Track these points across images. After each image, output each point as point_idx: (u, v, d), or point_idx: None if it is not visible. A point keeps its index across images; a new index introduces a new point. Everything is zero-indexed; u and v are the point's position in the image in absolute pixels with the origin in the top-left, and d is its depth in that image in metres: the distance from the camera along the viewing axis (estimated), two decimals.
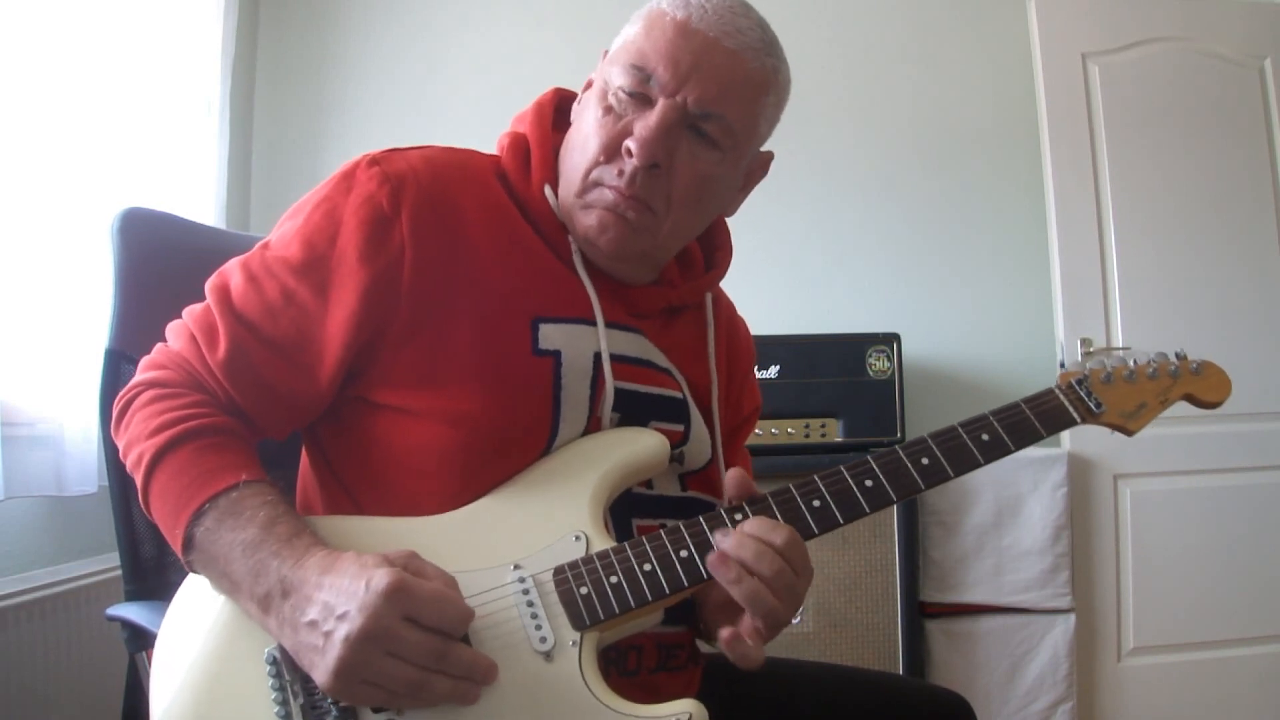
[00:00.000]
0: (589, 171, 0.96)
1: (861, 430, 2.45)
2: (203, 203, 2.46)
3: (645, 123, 0.94)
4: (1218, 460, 2.67)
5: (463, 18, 2.92)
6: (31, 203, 1.78)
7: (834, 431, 2.44)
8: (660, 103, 0.94)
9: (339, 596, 0.78)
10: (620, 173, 0.95)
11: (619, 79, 0.95)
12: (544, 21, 2.92)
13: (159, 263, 1.28)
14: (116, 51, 2.04)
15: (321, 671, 0.79)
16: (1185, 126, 2.82)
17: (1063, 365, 2.73)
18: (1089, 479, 2.66)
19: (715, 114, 0.95)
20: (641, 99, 0.95)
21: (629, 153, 0.94)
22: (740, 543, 0.87)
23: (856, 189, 2.89)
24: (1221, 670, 2.66)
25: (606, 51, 1.02)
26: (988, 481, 2.45)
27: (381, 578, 0.78)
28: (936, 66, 2.97)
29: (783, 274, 2.83)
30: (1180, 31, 2.85)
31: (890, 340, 2.50)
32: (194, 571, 0.89)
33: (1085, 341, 2.74)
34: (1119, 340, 2.75)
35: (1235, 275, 2.80)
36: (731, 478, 0.93)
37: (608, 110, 0.96)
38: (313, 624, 0.79)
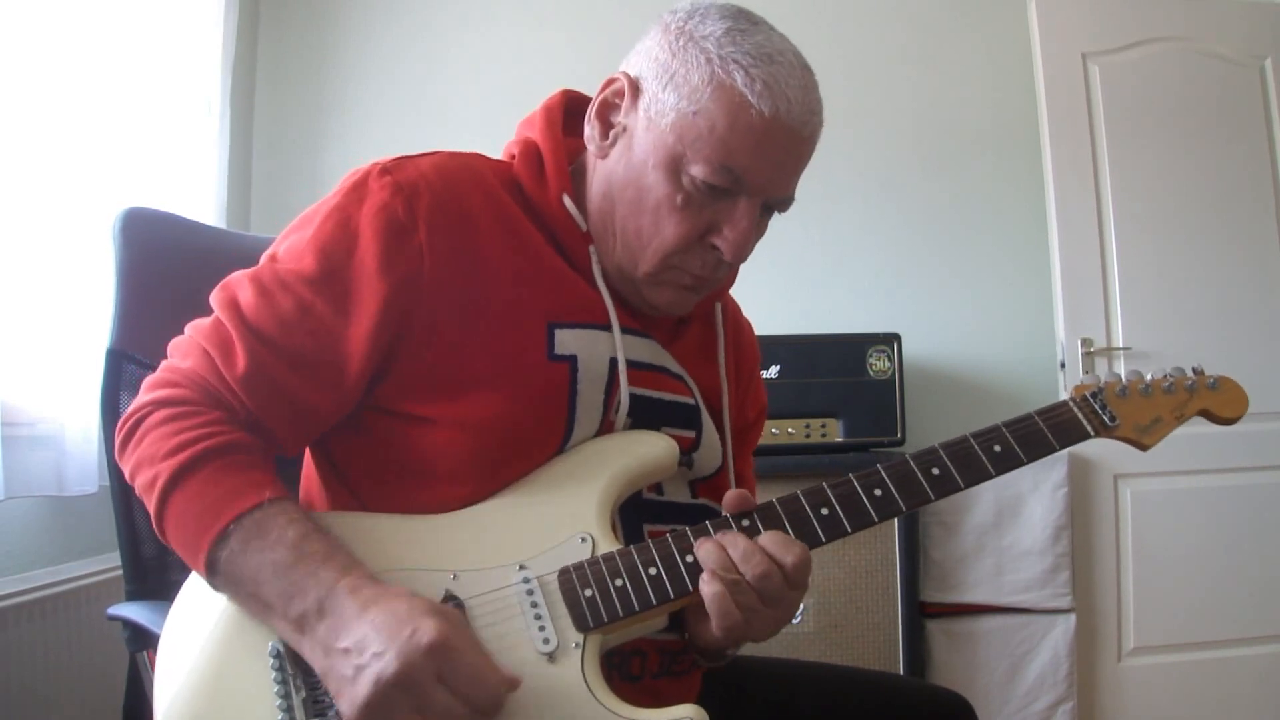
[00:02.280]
0: (668, 257, 0.95)
1: (862, 430, 2.45)
2: (203, 203, 2.46)
3: (736, 226, 0.94)
4: (1218, 460, 2.67)
5: (463, 18, 2.92)
6: (33, 203, 1.78)
7: (834, 431, 2.44)
8: (747, 203, 0.94)
9: (380, 633, 0.77)
10: (703, 263, 0.97)
11: (703, 173, 0.91)
12: (544, 21, 2.92)
13: (160, 262, 1.28)
14: (116, 51, 2.04)
15: (346, 703, 0.78)
16: (1185, 126, 2.82)
17: (1063, 365, 2.74)
18: (1089, 479, 2.67)
19: (788, 199, 0.98)
20: (724, 192, 0.93)
21: (715, 248, 0.95)
22: (735, 547, 0.87)
23: (857, 189, 2.89)
24: (1221, 670, 2.67)
25: (634, 81, 0.96)
26: (988, 481, 2.45)
27: (428, 631, 0.76)
28: (936, 66, 2.97)
29: (783, 274, 2.83)
30: (1180, 31, 2.85)
31: (890, 340, 2.50)
32: (220, 591, 0.87)
33: (1086, 341, 2.74)
34: (1119, 340, 2.75)
35: (1236, 275, 2.80)
36: (730, 499, 0.92)
37: (688, 200, 0.93)
38: (346, 651, 0.78)
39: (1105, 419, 0.99)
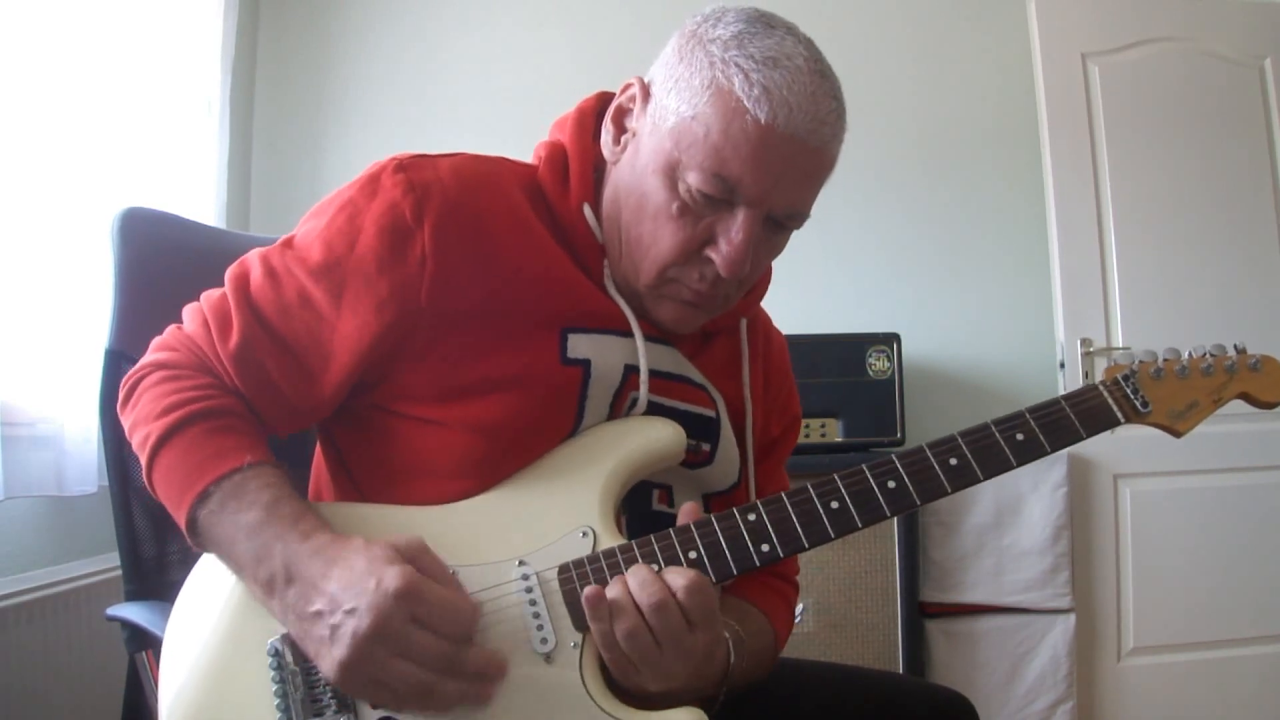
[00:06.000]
0: (665, 269, 0.92)
1: (861, 430, 2.45)
2: (203, 203, 2.46)
3: (731, 239, 0.89)
4: (1218, 460, 2.67)
5: (463, 18, 2.92)
6: (31, 203, 1.78)
7: (834, 431, 2.44)
8: (744, 215, 0.89)
9: (347, 590, 0.78)
10: (701, 277, 0.92)
11: (697, 181, 0.87)
12: (544, 21, 2.92)
13: (159, 263, 1.28)
14: (116, 51, 2.04)
15: (328, 664, 0.79)
16: (1185, 126, 2.82)
17: (1063, 365, 2.74)
18: (1089, 479, 2.66)
19: (798, 213, 0.93)
20: (721, 202, 0.89)
21: (711, 262, 0.91)
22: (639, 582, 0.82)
23: (857, 189, 2.89)
24: (1221, 670, 2.66)
25: (645, 85, 0.94)
26: (988, 481, 2.45)
27: (393, 577, 0.77)
28: (937, 66, 2.97)
29: (783, 274, 2.80)
30: (1180, 31, 2.85)
31: (890, 340, 2.49)
32: (203, 551, 0.89)
33: (1085, 341, 2.74)
34: (1119, 340, 2.75)
35: (1236, 275, 2.79)
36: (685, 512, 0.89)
37: (684, 209, 0.89)
38: (318, 614, 0.79)
39: (1137, 404, 0.92)
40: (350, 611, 0.77)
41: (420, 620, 0.78)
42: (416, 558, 0.82)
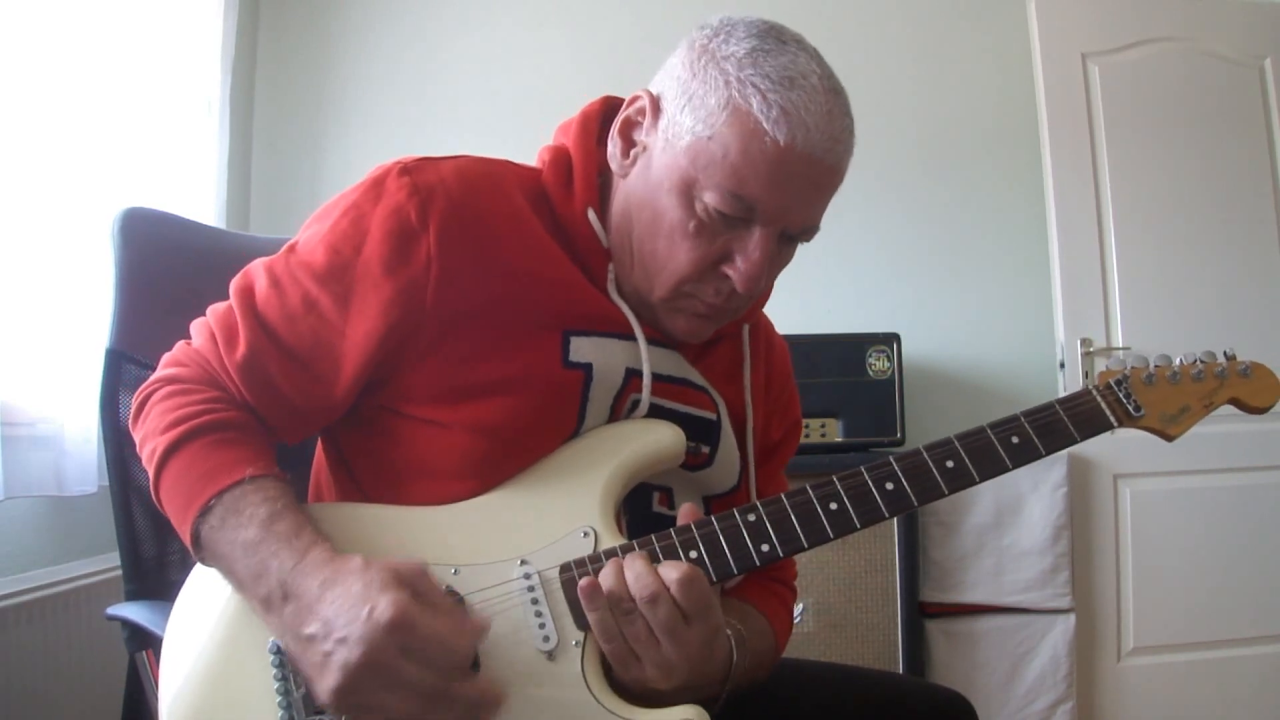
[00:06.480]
0: (680, 285, 0.93)
1: (861, 430, 2.45)
2: (203, 203, 2.46)
3: (749, 256, 0.90)
4: (1218, 460, 2.67)
5: (463, 18, 2.92)
6: (31, 203, 1.78)
7: (834, 431, 2.44)
8: (761, 233, 0.90)
9: (340, 616, 0.77)
10: (716, 291, 0.93)
11: (715, 201, 0.88)
12: (544, 21, 2.92)
13: (160, 263, 1.28)
14: (116, 51, 2.04)
15: (320, 690, 0.78)
16: (1185, 126, 2.82)
17: (1063, 365, 2.74)
18: (1089, 479, 2.66)
19: (810, 227, 0.94)
20: (738, 220, 0.90)
21: (727, 278, 0.92)
22: (634, 573, 0.83)
23: (857, 189, 2.87)
24: (1221, 670, 2.66)
25: (655, 99, 0.94)
26: (988, 481, 2.45)
27: (385, 608, 0.75)
28: (937, 66, 2.97)
29: (783, 274, 2.82)
30: (1180, 31, 2.85)
31: (890, 340, 2.50)
32: (209, 566, 0.88)
33: (1085, 341, 2.74)
34: (1119, 340, 2.75)
35: (1236, 275, 2.80)
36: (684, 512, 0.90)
37: (700, 228, 0.90)
38: (311, 639, 0.78)
39: (1130, 408, 0.94)
40: (341, 640, 0.76)
41: (411, 652, 0.76)
42: (415, 583, 0.79)
